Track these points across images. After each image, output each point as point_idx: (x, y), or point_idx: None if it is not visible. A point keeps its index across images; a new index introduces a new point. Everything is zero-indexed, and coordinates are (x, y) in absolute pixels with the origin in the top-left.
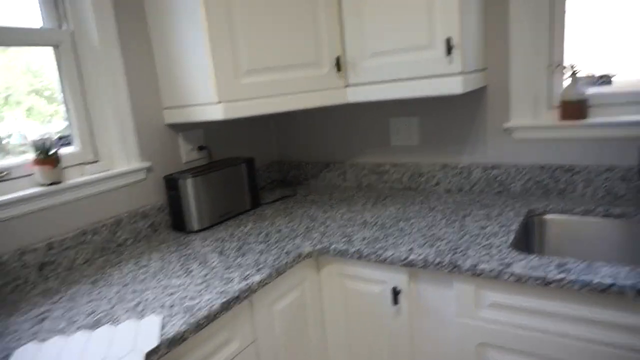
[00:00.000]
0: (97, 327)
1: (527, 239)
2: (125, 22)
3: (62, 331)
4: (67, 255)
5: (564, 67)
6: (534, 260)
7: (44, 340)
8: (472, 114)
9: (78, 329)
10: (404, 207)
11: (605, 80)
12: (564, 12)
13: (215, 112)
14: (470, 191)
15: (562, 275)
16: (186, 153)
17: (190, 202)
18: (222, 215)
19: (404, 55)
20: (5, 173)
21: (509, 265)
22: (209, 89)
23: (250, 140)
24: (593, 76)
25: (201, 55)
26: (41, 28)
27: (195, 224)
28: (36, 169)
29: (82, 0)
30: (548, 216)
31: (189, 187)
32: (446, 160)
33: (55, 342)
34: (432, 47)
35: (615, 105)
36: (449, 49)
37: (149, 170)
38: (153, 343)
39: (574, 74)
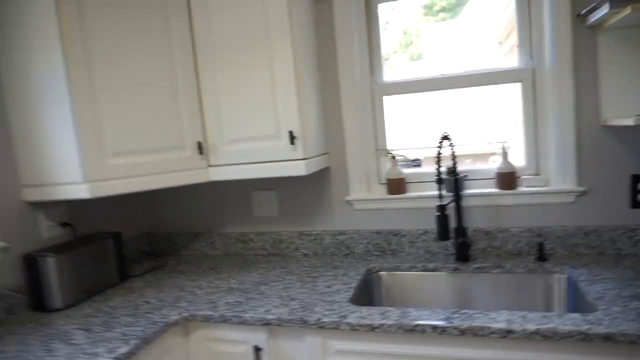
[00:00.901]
0: None
1: (367, 293)
2: None
3: None
4: None
5: (387, 152)
6: (364, 311)
7: None
8: (320, 189)
9: None
10: (266, 272)
11: (417, 163)
12: (382, 107)
13: (81, 191)
14: (324, 254)
15: (383, 322)
16: (47, 230)
17: (52, 280)
18: (87, 291)
19: (257, 143)
20: None
21: (345, 317)
22: (74, 169)
23: (118, 214)
24: (408, 159)
25: (67, 136)
26: None
27: (57, 302)
28: None
29: None
30: (382, 273)
31: (50, 265)
32: (302, 229)
33: None
34: (279, 138)
35: (423, 182)
36: (292, 139)
37: (4, 250)
38: None
39: (393, 157)
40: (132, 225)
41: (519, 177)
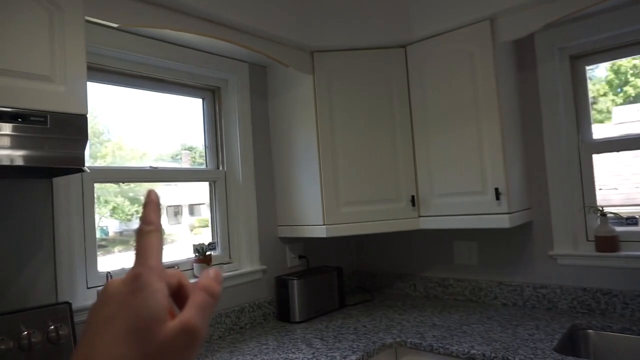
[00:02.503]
0: None
1: (572, 348)
2: (259, 163)
3: None
4: (208, 331)
5: (595, 209)
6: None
7: None
8: (522, 242)
9: None
10: (466, 315)
11: (632, 221)
12: (592, 164)
13: (321, 232)
14: (524, 306)
15: None
16: (290, 260)
17: (295, 298)
18: (317, 312)
19: (463, 197)
20: (176, 267)
21: None
22: (317, 214)
23: (337, 252)
24: (621, 217)
25: (314, 189)
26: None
27: (297, 316)
28: (196, 265)
29: (233, 150)
30: (590, 331)
31: (296, 286)
32: (502, 279)
33: None
34: (485, 193)
35: (639, 241)
36: (497, 195)
37: (264, 272)
38: None
39: (603, 214)
40: (346, 263)
41: None
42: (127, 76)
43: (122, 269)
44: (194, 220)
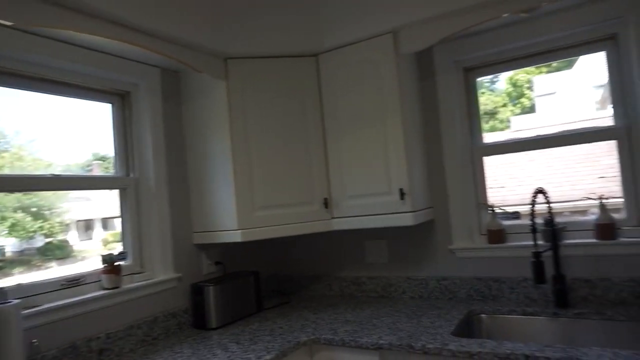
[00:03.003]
0: None
1: (468, 331)
2: (173, 170)
3: None
4: (118, 344)
5: (487, 206)
6: (464, 341)
7: None
8: (426, 239)
9: None
10: (377, 310)
11: (515, 215)
12: (483, 166)
13: (235, 237)
14: (428, 297)
15: (480, 349)
16: (206, 267)
17: (211, 305)
18: (233, 317)
19: (372, 198)
20: (82, 279)
21: (446, 344)
22: (232, 219)
23: (254, 256)
24: (507, 212)
25: (227, 194)
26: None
27: (214, 322)
28: (104, 277)
29: (145, 154)
30: (483, 315)
31: (211, 293)
32: (409, 274)
33: None
34: (391, 194)
35: (522, 233)
36: (402, 195)
37: (179, 279)
38: None
39: (493, 210)
40: (263, 267)
41: (619, 229)
42: (26, 78)
43: (19, 285)
44: (107, 234)
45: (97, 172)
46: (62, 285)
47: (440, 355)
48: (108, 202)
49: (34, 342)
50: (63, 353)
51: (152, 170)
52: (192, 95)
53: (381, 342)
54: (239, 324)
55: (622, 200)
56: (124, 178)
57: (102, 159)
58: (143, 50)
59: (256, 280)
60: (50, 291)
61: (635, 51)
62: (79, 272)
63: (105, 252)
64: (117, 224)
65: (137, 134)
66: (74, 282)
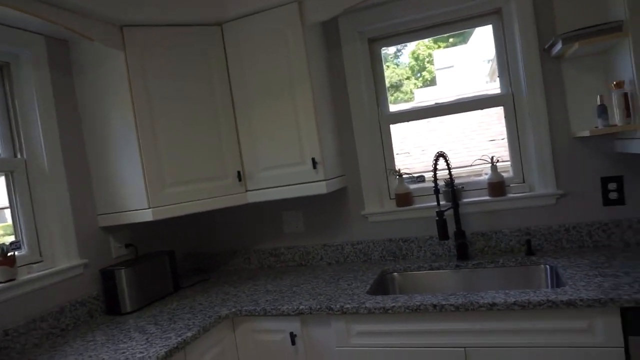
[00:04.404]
0: None
1: (382, 290)
2: (69, 148)
3: None
4: (19, 341)
5: (394, 171)
6: (379, 299)
7: None
8: (340, 206)
9: None
10: (296, 278)
11: (420, 179)
12: (390, 133)
13: (146, 215)
14: (345, 262)
15: (393, 304)
16: (115, 250)
17: (124, 289)
18: (149, 298)
19: (286, 169)
20: None
21: (363, 303)
22: (141, 197)
23: (168, 237)
24: (413, 176)
25: (135, 171)
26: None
27: (128, 307)
28: None
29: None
30: (395, 274)
31: (123, 276)
32: (325, 242)
33: None
34: (304, 164)
35: (427, 195)
36: (314, 165)
37: (85, 266)
38: None
39: (400, 175)
40: (179, 247)
41: (508, 186)
42: None
43: None
44: None
45: None
46: None
47: (357, 313)
48: None
49: None
50: None
51: (44, 150)
52: (86, 66)
53: (301, 307)
54: (155, 305)
55: (509, 161)
56: (11, 160)
57: None
58: (22, 14)
59: (172, 260)
60: None
61: (517, 24)
62: None
63: None
64: (7, 215)
65: (23, 110)
66: None
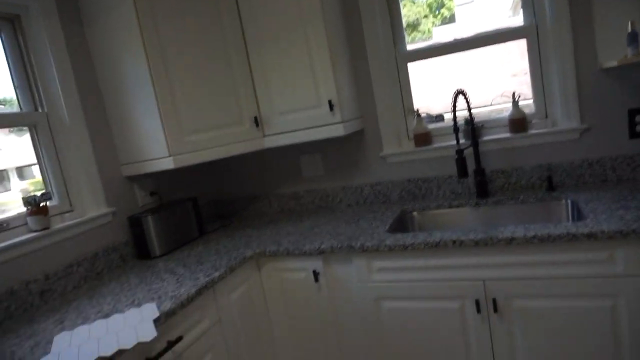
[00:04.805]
0: (109, 316)
1: (402, 228)
2: (87, 99)
3: (82, 323)
4: (60, 284)
5: (412, 111)
6: (399, 236)
7: (71, 329)
8: (358, 148)
9: (94, 320)
10: (316, 220)
11: (440, 118)
12: (407, 72)
13: (167, 163)
14: (364, 203)
15: (413, 241)
16: (141, 198)
17: (152, 234)
18: (177, 243)
19: (302, 113)
20: (5, 224)
21: (383, 240)
22: (161, 146)
23: (190, 184)
24: (431, 115)
25: (153, 121)
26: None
27: (157, 251)
28: (30, 219)
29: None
30: (414, 213)
31: (150, 222)
32: (344, 183)
33: (82, 328)
34: (320, 106)
35: (447, 134)
36: (331, 107)
37: (114, 214)
38: (155, 314)
39: (418, 115)
40: (200, 194)
41: (530, 122)
42: None
43: None
44: (26, 184)
45: None
46: None
47: (378, 250)
48: (19, 149)
49: None
50: (1, 299)
51: (63, 102)
52: (95, 14)
53: (323, 246)
54: (183, 249)
55: (532, 96)
56: (32, 113)
57: (2, 102)
58: None
59: (195, 206)
60: None
61: None
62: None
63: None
64: (36, 171)
65: (39, 62)
66: None
